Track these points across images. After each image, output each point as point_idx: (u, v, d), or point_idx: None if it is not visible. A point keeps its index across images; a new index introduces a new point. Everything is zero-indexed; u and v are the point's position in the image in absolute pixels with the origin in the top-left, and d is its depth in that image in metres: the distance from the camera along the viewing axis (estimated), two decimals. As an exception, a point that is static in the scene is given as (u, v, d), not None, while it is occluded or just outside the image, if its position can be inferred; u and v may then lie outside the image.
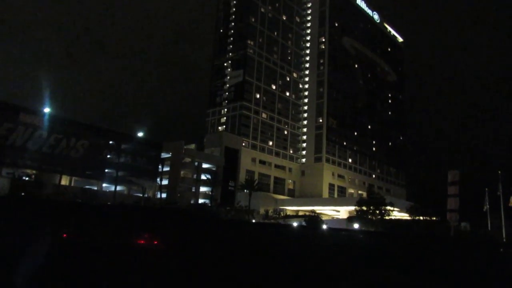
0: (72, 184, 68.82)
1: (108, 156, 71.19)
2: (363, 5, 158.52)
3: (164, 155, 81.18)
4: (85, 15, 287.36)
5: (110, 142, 71.63)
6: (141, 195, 71.09)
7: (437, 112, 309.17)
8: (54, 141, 62.43)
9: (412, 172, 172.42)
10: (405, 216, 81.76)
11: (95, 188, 71.34)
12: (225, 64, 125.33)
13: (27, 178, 57.98)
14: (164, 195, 77.06)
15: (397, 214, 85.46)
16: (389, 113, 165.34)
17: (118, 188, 70.30)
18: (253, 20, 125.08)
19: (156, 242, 26.08)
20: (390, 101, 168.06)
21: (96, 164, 69.01)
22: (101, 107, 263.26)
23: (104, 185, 73.21)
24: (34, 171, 61.11)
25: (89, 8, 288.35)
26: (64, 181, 65.45)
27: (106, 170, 70.37)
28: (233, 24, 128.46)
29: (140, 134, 76.49)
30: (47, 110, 63.23)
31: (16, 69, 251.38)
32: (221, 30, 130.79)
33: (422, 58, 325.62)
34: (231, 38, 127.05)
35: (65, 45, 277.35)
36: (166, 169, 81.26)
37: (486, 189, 55.53)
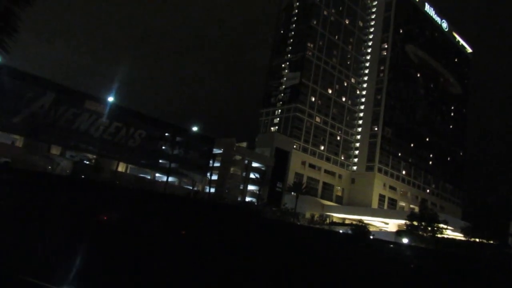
0: (128, 171, 71.93)
1: (163, 147, 73.75)
2: (431, 12, 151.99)
3: (216, 151, 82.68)
4: (153, 13, 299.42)
5: (166, 134, 74.12)
6: (191, 187, 72.79)
7: (504, 129, 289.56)
8: (114, 129, 65.72)
9: (470, 190, 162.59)
10: (459, 236, 77.38)
11: (148, 177, 74.06)
12: (283, 65, 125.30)
13: (87, 162, 61.33)
14: (212, 190, 78.42)
15: (450, 233, 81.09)
16: (450, 126, 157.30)
17: (170, 179, 72.52)
18: (314, 22, 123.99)
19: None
20: (452, 114, 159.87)
21: (151, 154, 71.77)
22: (159, 100, 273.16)
23: (157, 175, 75.82)
24: (94, 156, 64.55)
25: (156, 8, 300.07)
26: (121, 167, 68.60)
27: (160, 161, 72.93)
28: (294, 25, 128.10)
29: (195, 129, 78.40)
30: (110, 99, 66.59)
31: (86, 60, 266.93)
32: (282, 31, 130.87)
33: (492, 71, 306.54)
34: (291, 40, 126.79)
35: (132, 41, 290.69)
36: (217, 164, 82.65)
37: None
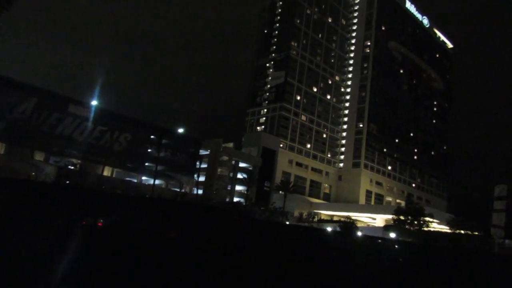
0: (114, 175, 71.25)
1: (149, 150, 73.23)
2: (412, 9, 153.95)
3: (203, 152, 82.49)
4: (135, 14, 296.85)
5: (152, 136, 73.63)
6: (178, 190, 72.47)
7: (486, 122, 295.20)
8: (99, 133, 65.01)
9: (454, 183, 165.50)
10: (445, 228, 78.67)
11: (135, 181, 73.47)
12: (267, 65, 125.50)
13: (72, 167, 60.55)
14: (200, 191, 78.23)
15: (436, 226, 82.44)
16: (434, 121, 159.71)
17: (157, 182, 72.05)
18: (298, 21, 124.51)
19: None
20: (435, 109, 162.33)
21: (137, 157, 71.19)
22: (145, 102, 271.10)
23: (143, 178, 75.27)
24: (78, 161, 63.75)
25: (140, 7, 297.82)
26: (106, 172, 67.92)
27: (146, 164, 72.40)
28: (277, 25, 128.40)
29: (181, 130, 78.02)
30: (94, 102, 65.84)
31: (71, 63, 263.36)
32: (266, 31, 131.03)
33: (473, 65, 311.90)
34: (275, 39, 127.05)
35: (115, 42, 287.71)
36: (204, 166, 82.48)
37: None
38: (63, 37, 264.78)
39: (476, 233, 65.69)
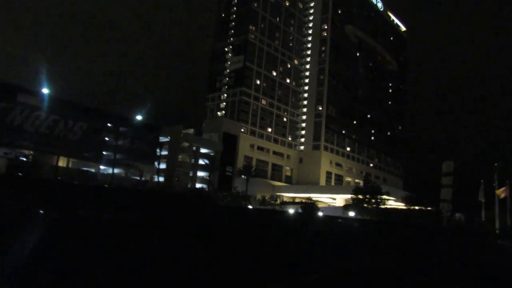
0: (70, 166, 68.98)
1: (106, 138, 71.24)
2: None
3: (163, 139, 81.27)
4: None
5: (109, 124, 71.62)
6: (139, 178, 71.26)
7: (437, 103, 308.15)
8: (52, 123, 62.44)
9: (409, 162, 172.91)
10: (400, 205, 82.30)
11: (93, 170, 71.47)
12: (226, 49, 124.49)
13: (24, 159, 58.02)
14: (161, 179, 77.31)
15: (393, 203, 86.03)
16: (389, 103, 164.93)
17: (116, 170, 70.44)
18: (255, 5, 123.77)
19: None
20: (390, 90, 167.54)
21: (94, 146, 69.07)
22: (100, 90, 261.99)
23: (101, 167, 73.30)
24: (31, 152, 61.16)
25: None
26: (62, 162, 65.57)
27: (104, 153, 70.49)
28: (235, 8, 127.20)
29: (139, 118, 76.29)
30: (45, 91, 62.98)
31: (18, 51, 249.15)
32: (223, 15, 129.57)
33: (425, 48, 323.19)
34: (233, 23, 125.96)
35: (66, 28, 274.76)
36: (164, 153, 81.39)
37: (482, 180, 55.61)
38: (9, 22, 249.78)
39: (429, 208, 69.29)
